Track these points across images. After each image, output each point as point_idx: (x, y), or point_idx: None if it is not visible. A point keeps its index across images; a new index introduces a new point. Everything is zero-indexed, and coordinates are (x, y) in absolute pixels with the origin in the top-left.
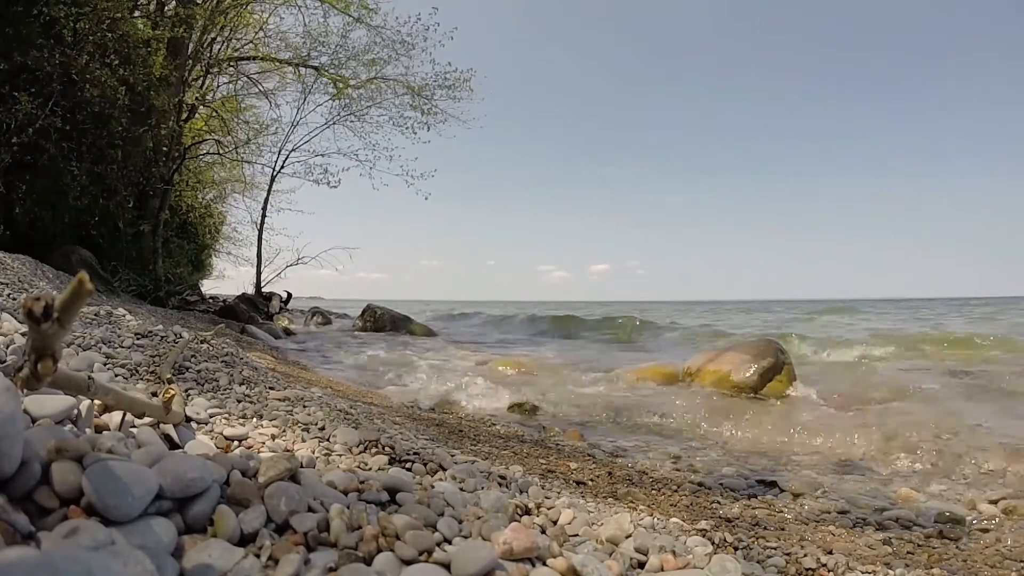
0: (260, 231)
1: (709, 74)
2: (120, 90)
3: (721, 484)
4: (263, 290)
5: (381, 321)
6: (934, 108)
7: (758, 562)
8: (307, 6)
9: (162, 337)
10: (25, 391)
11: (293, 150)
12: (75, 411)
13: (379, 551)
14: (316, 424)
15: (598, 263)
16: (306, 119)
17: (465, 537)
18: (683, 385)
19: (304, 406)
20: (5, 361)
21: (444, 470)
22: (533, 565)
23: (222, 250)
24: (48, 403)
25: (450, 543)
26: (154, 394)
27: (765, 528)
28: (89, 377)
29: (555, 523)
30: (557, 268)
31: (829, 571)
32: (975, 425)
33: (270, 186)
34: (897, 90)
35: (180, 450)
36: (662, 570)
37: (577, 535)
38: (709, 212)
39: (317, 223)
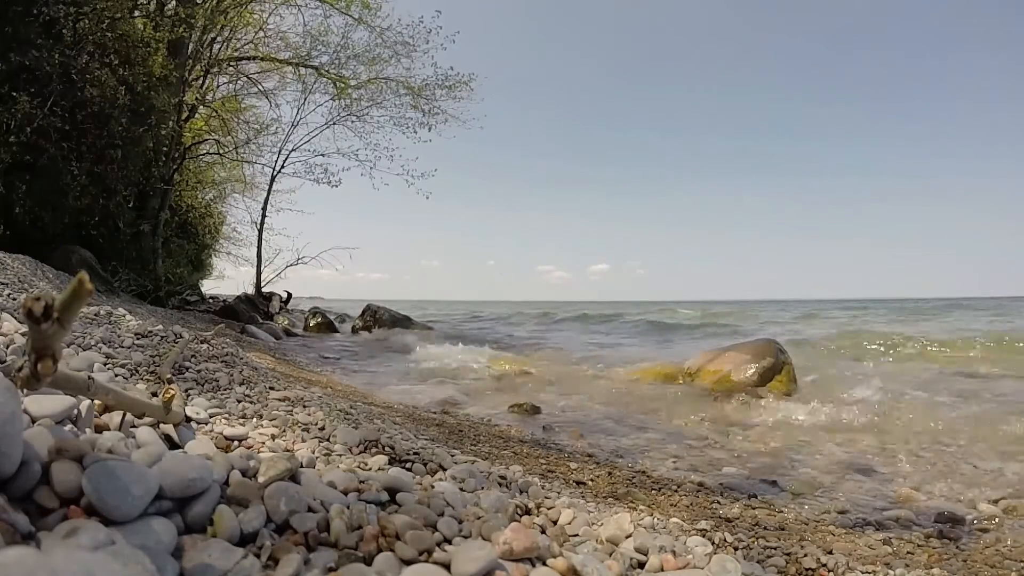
0: (260, 231)
1: (710, 73)
2: (120, 90)
3: (721, 484)
4: (263, 290)
5: (381, 321)
6: (934, 108)
7: (758, 562)
8: (307, 6)
9: (162, 337)
10: (25, 391)
11: (293, 150)
12: (75, 411)
13: (379, 551)
14: (316, 424)
15: (598, 263)
16: (306, 119)
17: (465, 537)
18: (683, 385)
19: (304, 406)
20: (5, 361)
21: (444, 470)
22: (533, 565)
23: (222, 250)
24: (48, 403)
25: (450, 543)
26: (154, 394)
27: (765, 528)
28: (89, 377)
29: (555, 523)
30: (557, 268)
31: (829, 571)
32: (974, 425)
33: (270, 186)
34: (899, 90)
35: (180, 450)
36: (662, 570)
37: (577, 535)
38: (710, 212)
39: (317, 223)
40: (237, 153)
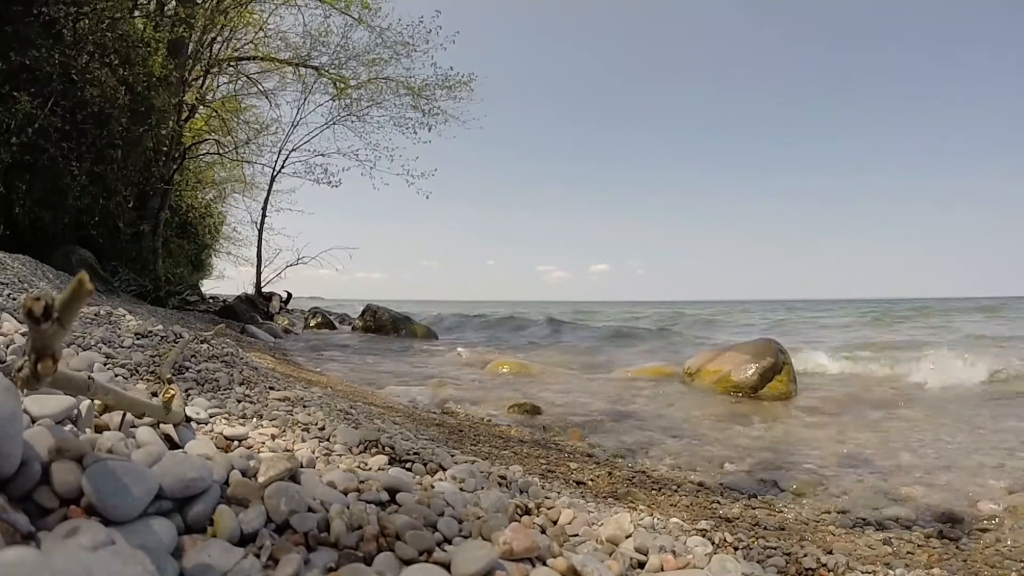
0: (260, 231)
1: (712, 73)
2: (120, 90)
3: (721, 484)
4: (263, 290)
5: (381, 321)
6: (935, 108)
7: (758, 562)
8: (307, 6)
9: (162, 337)
10: (25, 391)
11: (293, 150)
12: (75, 411)
13: (379, 551)
14: (316, 424)
15: (598, 263)
16: (306, 119)
17: (465, 537)
18: (683, 385)
19: (304, 406)
20: (5, 361)
21: (444, 470)
22: (533, 565)
23: (222, 250)
24: (48, 403)
25: (450, 543)
26: (154, 394)
27: (765, 528)
28: (89, 377)
29: (555, 523)
30: (556, 268)
31: (829, 571)
32: (974, 425)
33: (270, 186)
34: (897, 90)
35: (180, 450)
36: (662, 570)
37: (577, 535)
38: (711, 212)
39: (317, 223)
40: (237, 153)
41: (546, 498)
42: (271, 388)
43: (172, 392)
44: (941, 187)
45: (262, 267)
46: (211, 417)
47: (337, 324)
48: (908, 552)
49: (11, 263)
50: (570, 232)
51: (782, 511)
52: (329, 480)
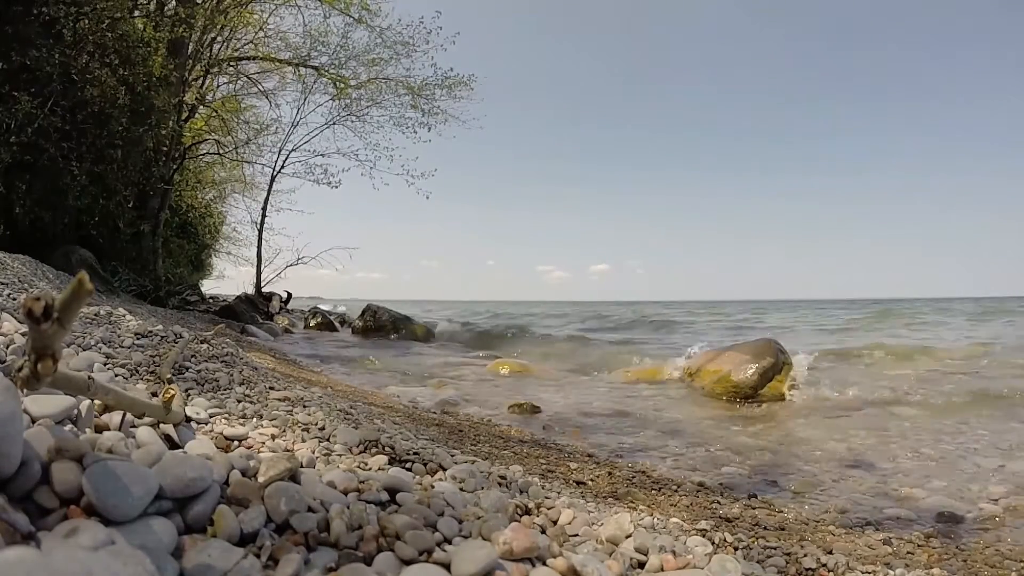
0: (260, 231)
1: (712, 73)
2: (120, 90)
3: (721, 484)
4: (263, 290)
5: (381, 321)
6: (935, 108)
7: (758, 562)
8: (307, 6)
9: (162, 337)
10: (25, 391)
11: (293, 150)
12: (75, 411)
13: (379, 551)
14: (316, 424)
15: (598, 263)
16: (306, 119)
17: (465, 537)
18: (683, 385)
19: (304, 406)
20: (5, 361)
21: (444, 470)
22: (533, 565)
23: (222, 250)
24: (48, 403)
25: (450, 543)
26: (154, 394)
27: (765, 528)
28: (89, 377)
29: (555, 523)
30: (556, 268)
31: (829, 571)
32: (974, 426)
33: (270, 186)
34: (897, 90)
35: (180, 450)
36: (662, 570)
37: (577, 535)
38: (710, 212)
39: (317, 223)
40: (237, 153)
41: (546, 498)
42: (271, 388)
43: (172, 392)
44: (941, 187)
45: (262, 267)
46: (211, 417)
47: (337, 324)
48: (908, 552)
49: (11, 263)
50: (570, 232)
51: (782, 511)
52: (329, 480)
